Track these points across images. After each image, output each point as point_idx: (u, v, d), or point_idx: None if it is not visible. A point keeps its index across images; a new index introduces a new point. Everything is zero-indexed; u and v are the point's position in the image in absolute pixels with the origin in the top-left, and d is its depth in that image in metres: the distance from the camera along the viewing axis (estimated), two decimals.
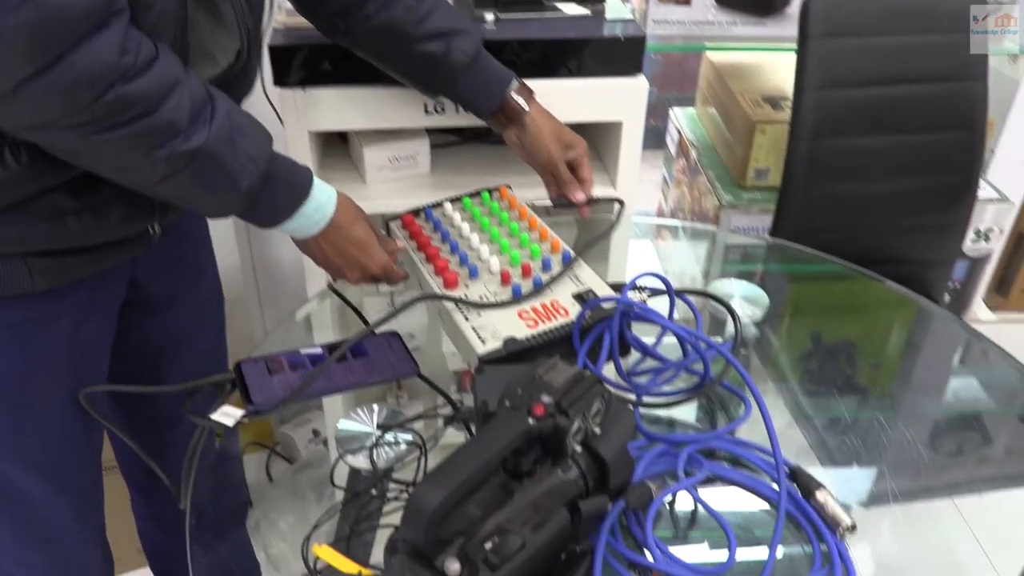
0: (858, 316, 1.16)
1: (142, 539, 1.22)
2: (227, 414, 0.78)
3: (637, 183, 1.23)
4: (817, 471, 0.73)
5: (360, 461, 0.78)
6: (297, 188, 0.82)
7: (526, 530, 0.55)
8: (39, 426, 0.83)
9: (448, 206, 1.03)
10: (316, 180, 0.84)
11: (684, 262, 1.35)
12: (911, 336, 1.18)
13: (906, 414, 0.96)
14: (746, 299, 1.00)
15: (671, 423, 0.84)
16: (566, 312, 0.84)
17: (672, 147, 2.20)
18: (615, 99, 1.16)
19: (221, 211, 0.79)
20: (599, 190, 1.22)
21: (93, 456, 0.91)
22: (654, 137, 2.83)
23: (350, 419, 0.81)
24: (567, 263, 0.91)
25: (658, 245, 1.34)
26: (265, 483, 1.50)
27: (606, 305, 0.82)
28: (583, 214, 1.07)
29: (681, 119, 2.16)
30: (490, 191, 1.06)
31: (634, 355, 0.85)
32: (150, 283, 0.94)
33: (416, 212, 1.03)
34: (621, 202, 1.08)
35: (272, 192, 0.79)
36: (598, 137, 1.32)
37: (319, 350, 0.86)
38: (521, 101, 1.02)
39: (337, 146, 1.32)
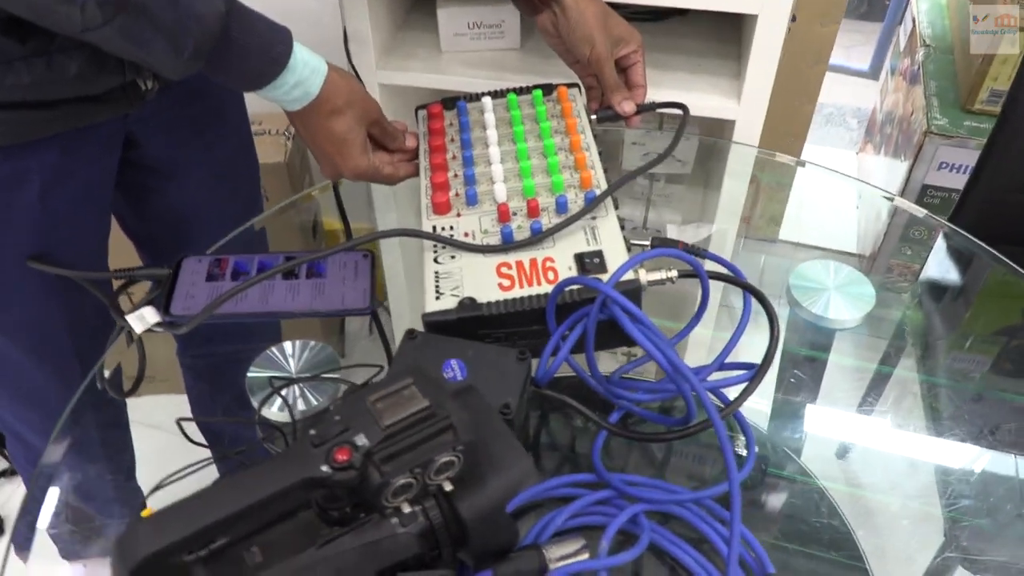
0: None
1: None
2: (142, 318, 0.69)
3: (764, 98, 0.94)
4: None
5: (275, 413, 0.67)
6: (269, 58, 0.66)
7: None
8: (8, 287, 0.79)
9: (487, 102, 0.83)
10: (300, 52, 0.68)
11: (831, 208, 1.06)
12: None
13: None
14: (843, 294, 0.73)
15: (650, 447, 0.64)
16: (555, 278, 0.65)
17: (903, 39, 1.75)
18: None
19: (168, 72, 0.66)
20: (717, 101, 0.95)
21: (73, 316, 0.87)
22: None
23: (268, 358, 0.69)
24: (587, 205, 0.69)
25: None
26: None
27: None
28: (631, 124, 0.83)
29: (922, 5, 1.69)
30: (546, 89, 0.84)
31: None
32: (150, 145, 0.85)
33: (449, 103, 0.84)
34: (684, 108, 0.83)
35: (234, 57, 0.66)
36: (719, 32, 1.02)
37: (276, 259, 0.74)
38: None
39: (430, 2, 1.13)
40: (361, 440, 0.43)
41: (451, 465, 0.44)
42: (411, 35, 1.07)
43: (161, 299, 0.69)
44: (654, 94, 0.96)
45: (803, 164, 0.98)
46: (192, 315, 0.67)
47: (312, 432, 0.43)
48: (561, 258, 0.66)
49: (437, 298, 0.65)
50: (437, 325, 0.63)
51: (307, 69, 0.68)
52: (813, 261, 0.74)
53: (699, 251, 0.73)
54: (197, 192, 0.90)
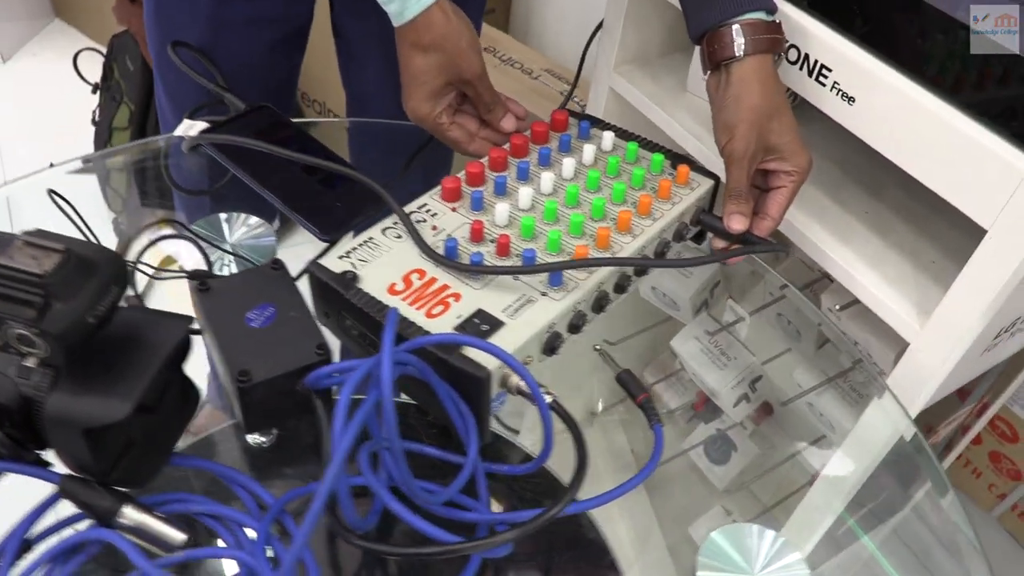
0: None
1: None
2: (189, 127, 0.75)
3: (959, 348, 0.67)
4: None
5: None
6: None
7: None
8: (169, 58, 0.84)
9: (606, 137, 0.71)
10: None
11: None
12: None
13: None
14: None
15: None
16: (440, 313, 0.56)
17: None
18: (983, 179, 0.60)
19: None
20: (898, 302, 0.70)
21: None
22: None
23: (212, 221, 0.71)
24: (525, 265, 0.58)
25: None
26: None
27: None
28: (730, 262, 0.68)
29: None
30: (673, 158, 0.70)
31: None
32: (341, 16, 0.91)
33: (577, 115, 0.75)
34: (783, 249, 0.63)
35: None
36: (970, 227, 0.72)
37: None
38: (741, 42, 0.62)
39: None
40: None
41: (29, 342, 0.42)
42: (676, 61, 0.96)
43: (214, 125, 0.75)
44: (836, 247, 0.75)
45: None
46: (197, 142, 0.72)
47: None
48: (466, 302, 0.57)
49: (340, 257, 0.60)
50: (312, 277, 0.59)
51: None
52: (739, 526, 0.52)
53: (653, 415, 0.57)
54: (373, 78, 0.94)
